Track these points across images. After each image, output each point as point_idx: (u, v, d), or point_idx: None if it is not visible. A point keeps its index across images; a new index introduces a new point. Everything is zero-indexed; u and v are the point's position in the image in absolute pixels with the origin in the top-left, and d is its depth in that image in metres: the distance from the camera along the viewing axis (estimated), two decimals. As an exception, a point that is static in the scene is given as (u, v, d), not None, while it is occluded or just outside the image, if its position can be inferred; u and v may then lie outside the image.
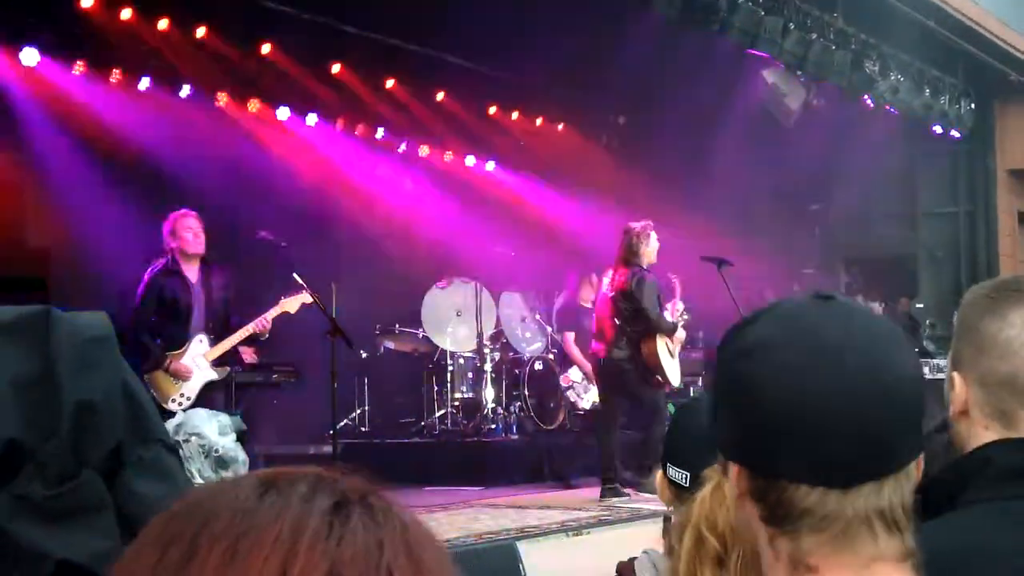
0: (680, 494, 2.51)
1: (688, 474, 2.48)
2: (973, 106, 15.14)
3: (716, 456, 1.45)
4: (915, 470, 1.35)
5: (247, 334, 9.23)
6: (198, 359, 9.11)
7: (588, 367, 11.71)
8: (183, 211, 9.21)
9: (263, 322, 9.24)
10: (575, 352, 11.96)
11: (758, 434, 1.33)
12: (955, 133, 15.05)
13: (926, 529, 1.36)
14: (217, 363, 9.18)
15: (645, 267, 10.52)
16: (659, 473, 2.65)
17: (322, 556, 0.86)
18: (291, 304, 9.40)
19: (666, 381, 10.65)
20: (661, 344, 10.62)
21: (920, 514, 1.37)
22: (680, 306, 11.19)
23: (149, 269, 9.14)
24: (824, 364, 1.30)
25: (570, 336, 12.04)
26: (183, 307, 9.07)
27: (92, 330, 1.66)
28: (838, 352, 1.30)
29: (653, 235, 10.69)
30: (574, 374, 11.99)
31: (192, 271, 9.18)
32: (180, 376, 8.99)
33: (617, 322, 10.51)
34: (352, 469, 0.96)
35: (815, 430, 1.29)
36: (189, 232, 9.10)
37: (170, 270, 9.11)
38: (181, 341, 9.06)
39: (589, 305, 12.03)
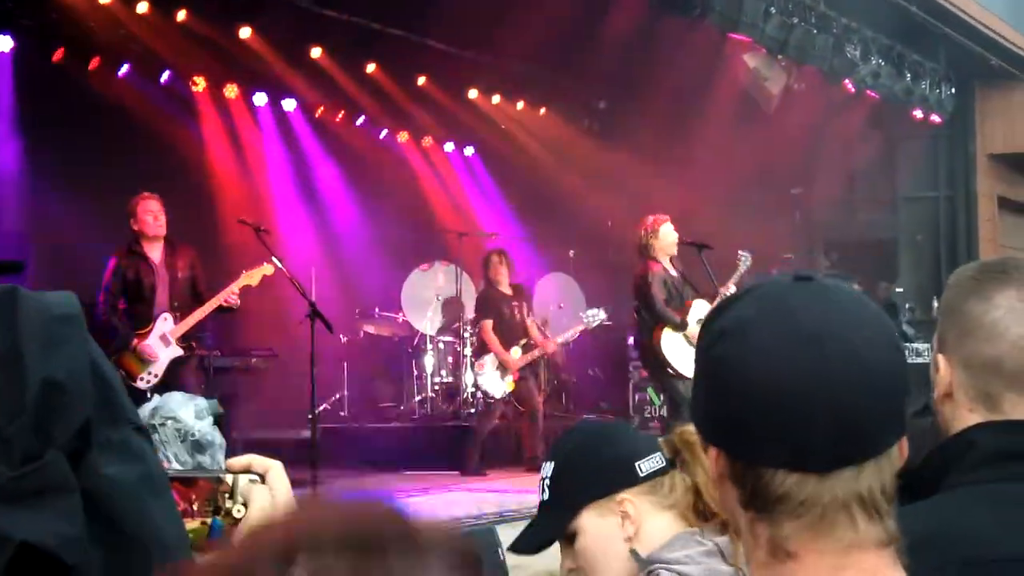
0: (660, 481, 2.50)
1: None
2: (954, 90, 15.13)
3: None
4: (898, 454, 1.32)
5: (212, 308, 9.43)
6: (165, 336, 9.32)
7: (505, 356, 11.67)
8: (143, 194, 9.48)
9: (229, 295, 9.41)
10: (492, 340, 11.81)
11: (734, 418, 1.30)
12: (936, 118, 15.05)
13: (905, 512, 1.34)
14: (183, 340, 9.39)
15: (660, 259, 10.62)
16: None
17: None
18: (253, 276, 9.55)
19: (677, 373, 10.64)
20: (674, 335, 10.62)
21: (905, 498, 1.34)
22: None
23: (115, 253, 9.42)
24: (800, 348, 1.27)
25: (488, 324, 11.86)
26: (147, 287, 9.35)
27: (59, 308, 1.62)
28: (815, 335, 1.28)
29: (663, 228, 10.77)
30: (488, 361, 11.88)
31: (155, 251, 9.46)
32: (145, 357, 9.24)
33: (636, 309, 10.69)
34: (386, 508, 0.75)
35: (791, 415, 1.26)
36: (149, 215, 9.39)
37: (132, 251, 9.40)
38: (147, 321, 9.31)
39: (508, 291, 11.96)
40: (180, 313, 9.42)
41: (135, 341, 9.21)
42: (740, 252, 11.29)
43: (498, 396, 11.60)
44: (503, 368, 11.72)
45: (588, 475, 2.47)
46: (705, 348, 1.35)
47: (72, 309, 1.64)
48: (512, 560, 7.23)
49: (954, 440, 1.89)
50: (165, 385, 8.96)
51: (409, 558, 0.69)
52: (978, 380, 1.90)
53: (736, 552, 2.41)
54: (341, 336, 12.49)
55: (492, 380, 11.58)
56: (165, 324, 9.37)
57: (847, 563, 1.29)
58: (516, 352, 11.80)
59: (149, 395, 8.88)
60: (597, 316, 12.05)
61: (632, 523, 2.42)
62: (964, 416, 1.91)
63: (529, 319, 12.11)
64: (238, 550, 0.73)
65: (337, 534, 0.70)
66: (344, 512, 0.72)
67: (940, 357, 1.94)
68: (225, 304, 9.43)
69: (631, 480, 2.45)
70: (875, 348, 1.29)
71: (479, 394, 12.14)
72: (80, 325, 1.63)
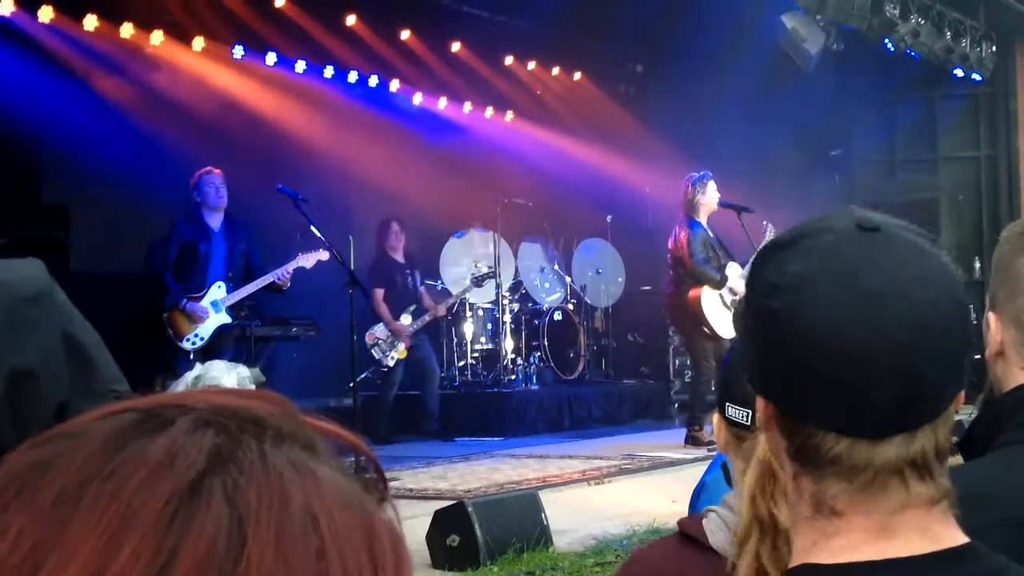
0: (740, 434, 2.44)
1: (749, 411, 2.38)
2: (994, 49, 14.95)
3: None
4: (953, 411, 1.28)
5: (264, 283, 9.94)
6: (216, 303, 9.84)
7: (395, 324, 11.62)
8: (207, 168, 10.10)
9: (283, 274, 9.91)
10: (383, 309, 11.72)
11: (786, 376, 1.26)
12: (976, 76, 14.88)
13: (954, 471, 1.31)
14: (233, 310, 9.92)
15: (702, 217, 10.60)
16: (716, 416, 2.57)
17: (152, 558, 0.65)
18: (308, 260, 10.01)
19: (713, 334, 10.63)
20: (712, 294, 10.61)
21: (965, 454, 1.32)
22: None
23: (180, 218, 10.06)
24: (862, 309, 1.22)
25: (379, 293, 11.77)
26: (202, 254, 9.89)
27: (27, 288, 1.59)
28: (878, 296, 1.22)
29: (710, 184, 10.78)
30: (379, 331, 11.81)
31: (215, 221, 10.06)
32: (194, 318, 9.72)
33: (671, 265, 10.71)
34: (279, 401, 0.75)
35: (848, 380, 1.22)
36: (211, 187, 10.03)
37: (193, 219, 10.01)
38: (200, 286, 9.86)
39: (402, 260, 11.95)
40: (233, 284, 9.93)
41: (185, 302, 9.68)
42: (764, 222, 11.22)
43: (391, 364, 11.53)
44: (395, 335, 11.65)
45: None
46: (759, 299, 1.29)
47: (40, 285, 1.59)
48: (555, 525, 7.26)
49: (1006, 397, 1.87)
50: (207, 351, 9.27)
51: (164, 423, 0.71)
52: None
53: (737, 474, 2.39)
54: (435, 303, 12.54)
55: (385, 350, 11.54)
56: (219, 291, 9.87)
57: (895, 522, 1.26)
58: (406, 319, 11.78)
59: (192, 356, 9.34)
60: (486, 277, 12.19)
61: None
62: (1016, 374, 1.89)
63: (421, 286, 12.09)
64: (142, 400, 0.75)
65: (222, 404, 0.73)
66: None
67: (991, 315, 1.91)
68: (276, 283, 9.88)
69: (720, 411, 2.50)
70: (941, 309, 1.25)
71: (586, 356, 12.20)
72: (49, 301, 1.59)
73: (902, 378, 1.22)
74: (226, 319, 9.87)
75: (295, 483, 0.69)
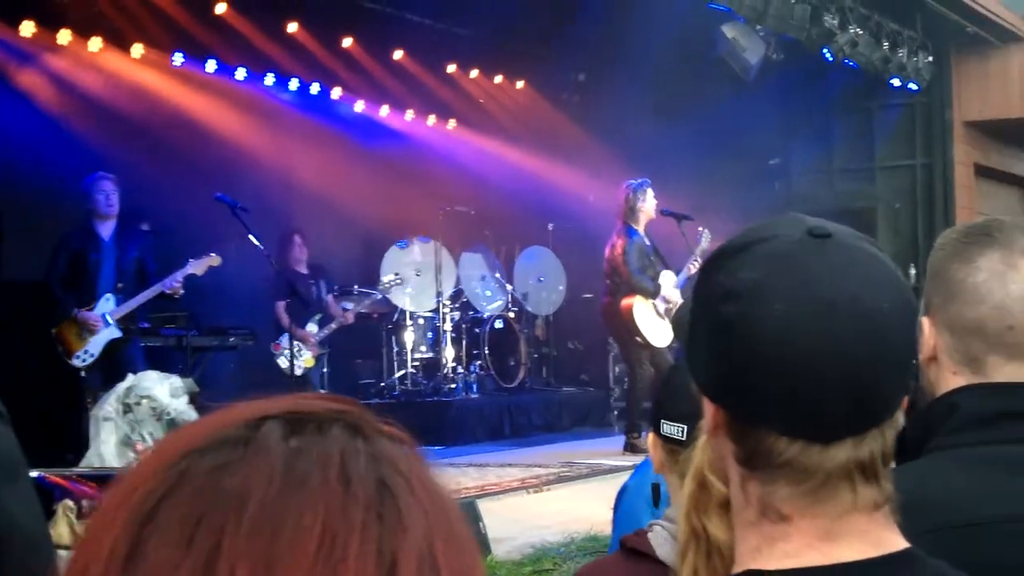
0: (674, 452, 2.44)
1: (685, 427, 2.40)
2: (931, 59, 15.13)
3: None
4: (899, 415, 1.30)
5: (153, 295, 9.52)
6: (104, 316, 9.42)
7: (300, 333, 11.51)
8: (98, 174, 9.67)
9: (172, 282, 9.49)
10: (285, 320, 11.62)
11: (738, 381, 1.27)
12: (913, 86, 15.05)
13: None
14: (123, 322, 9.51)
15: (639, 225, 10.65)
16: (651, 435, 2.57)
17: (376, 564, 0.72)
18: (199, 267, 9.65)
19: (646, 343, 10.66)
20: (643, 304, 10.64)
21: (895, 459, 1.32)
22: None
23: (70, 227, 9.67)
24: (816, 317, 1.22)
25: (281, 304, 11.69)
26: (91, 264, 9.46)
27: None
28: (831, 304, 1.23)
29: (649, 192, 10.81)
30: (284, 340, 11.72)
31: (106, 230, 9.60)
32: (88, 326, 9.30)
33: (607, 274, 10.72)
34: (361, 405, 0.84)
35: (801, 385, 1.23)
36: (101, 194, 9.57)
37: (83, 227, 9.58)
38: (90, 299, 9.42)
39: (304, 271, 11.82)
40: (125, 295, 9.49)
41: (77, 310, 9.31)
42: (700, 228, 11.30)
43: (299, 373, 11.38)
44: (302, 344, 11.49)
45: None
46: (711, 305, 1.29)
47: None
48: (493, 533, 7.23)
49: (937, 403, 1.89)
50: (101, 366, 9.16)
51: (320, 428, 0.78)
52: (962, 343, 1.89)
53: (675, 494, 2.39)
54: (341, 311, 12.46)
55: (288, 358, 11.38)
56: (107, 304, 9.45)
57: (840, 526, 1.27)
58: (312, 328, 11.71)
59: (83, 374, 9.23)
60: (393, 283, 12.13)
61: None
62: (948, 379, 1.91)
63: (328, 296, 11.99)
64: (213, 418, 0.80)
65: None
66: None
67: (925, 320, 1.93)
68: (168, 292, 9.49)
69: (655, 429, 2.51)
70: (892, 316, 1.25)
71: (527, 364, 12.12)
72: None
73: (854, 384, 1.23)
74: (116, 333, 9.42)
75: (435, 479, 0.81)
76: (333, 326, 11.82)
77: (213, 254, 9.64)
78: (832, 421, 1.24)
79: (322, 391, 12.38)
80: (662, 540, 2.31)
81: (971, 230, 1.96)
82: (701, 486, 1.92)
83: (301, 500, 0.73)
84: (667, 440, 2.49)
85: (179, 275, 9.51)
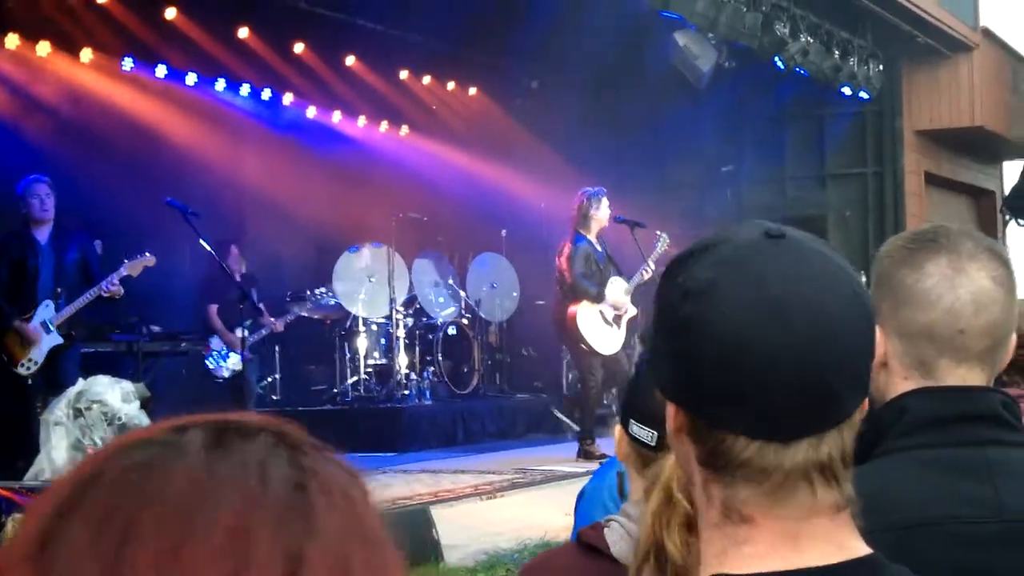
0: (643, 453, 2.43)
1: (656, 433, 2.37)
2: (881, 68, 15.26)
3: None
4: (857, 418, 1.30)
5: (92, 298, 9.37)
6: (46, 323, 9.27)
7: (230, 337, 11.44)
8: (34, 177, 9.51)
9: (108, 284, 9.36)
10: (216, 323, 11.53)
11: (697, 381, 1.27)
12: (863, 95, 15.17)
13: None
14: (63, 328, 9.34)
15: (590, 232, 10.67)
16: (618, 428, 2.56)
17: (283, 561, 0.73)
18: (135, 268, 9.54)
19: (591, 350, 10.67)
20: (590, 311, 10.66)
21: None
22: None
23: (5, 233, 9.51)
24: (769, 315, 1.23)
25: (213, 308, 11.54)
26: (30, 269, 9.30)
27: None
28: (785, 302, 1.23)
29: (604, 200, 10.83)
30: (214, 343, 11.64)
31: (42, 234, 9.44)
32: (27, 339, 9.16)
33: (557, 281, 10.76)
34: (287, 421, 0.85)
35: (757, 384, 1.23)
36: (36, 199, 9.41)
37: (19, 233, 9.42)
38: (30, 304, 9.26)
39: (237, 277, 11.46)
40: (66, 299, 9.37)
41: (18, 323, 9.15)
42: (657, 232, 11.34)
43: (226, 375, 11.28)
44: (230, 347, 11.37)
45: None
46: (670, 305, 1.30)
47: None
48: (447, 540, 7.22)
49: (888, 406, 1.90)
50: (45, 372, 9.08)
51: (244, 436, 0.80)
52: (912, 348, 1.91)
53: (635, 488, 2.39)
54: (272, 319, 12.39)
55: (219, 360, 11.28)
56: (46, 311, 9.31)
57: (802, 529, 1.27)
58: (240, 333, 11.60)
59: (30, 381, 9.11)
60: (326, 295, 12.01)
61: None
62: (898, 384, 1.92)
63: (260, 303, 11.86)
64: (152, 426, 0.82)
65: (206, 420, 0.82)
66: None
67: (875, 327, 1.93)
68: (106, 294, 9.37)
69: (624, 425, 2.48)
70: (846, 315, 1.26)
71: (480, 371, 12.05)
72: None
73: (809, 383, 1.23)
74: (57, 340, 9.28)
75: (357, 492, 0.82)
76: (264, 332, 11.65)
77: (148, 254, 9.55)
78: (788, 420, 1.24)
79: (259, 392, 12.34)
80: (618, 537, 2.30)
81: (917, 237, 1.98)
82: (667, 502, 1.92)
83: (216, 496, 0.75)
84: (635, 440, 2.48)
85: (114, 277, 9.40)
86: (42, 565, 0.73)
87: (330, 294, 12.31)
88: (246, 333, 10.97)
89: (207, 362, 11.23)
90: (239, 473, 0.76)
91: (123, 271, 9.46)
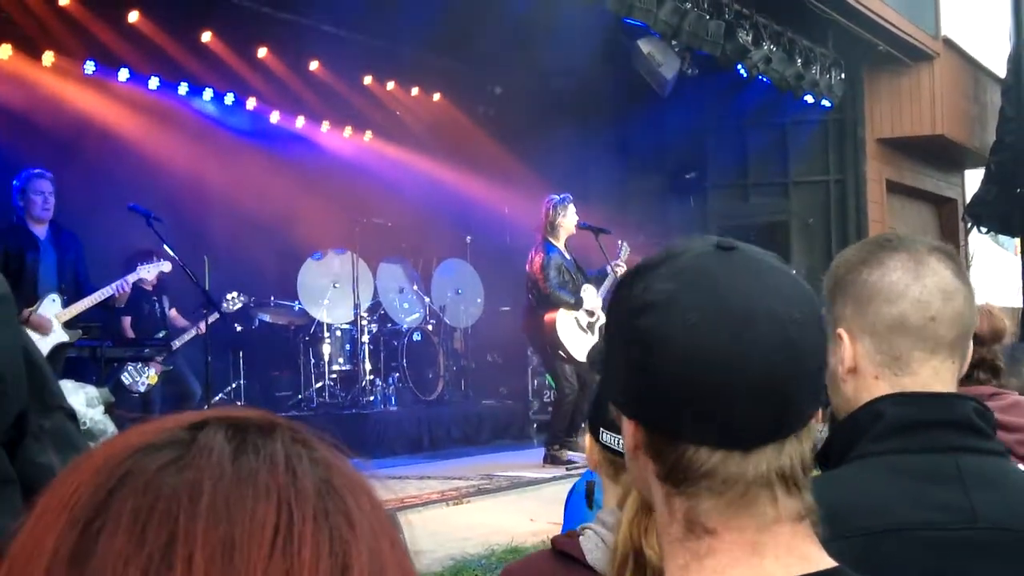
0: (614, 460, 2.43)
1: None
2: (843, 76, 15.37)
3: None
4: (814, 425, 1.31)
5: (103, 297, 9.12)
6: (51, 320, 8.91)
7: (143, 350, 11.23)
8: (38, 171, 9.12)
9: (122, 286, 9.17)
10: (129, 334, 11.32)
11: (657, 394, 1.27)
12: (826, 103, 15.26)
13: (813, 483, 1.33)
14: (68, 326, 9.02)
15: (559, 240, 10.69)
16: (588, 438, 2.56)
17: (329, 558, 0.73)
18: (150, 271, 9.47)
19: (569, 357, 10.69)
20: (567, 318, 10.69)
21: (819, 469, 1.33)
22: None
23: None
24: (729, 327, 1.24)
25: (127, 320, 11.17)
26: (30, 264, 8.96)
27: None
28: (745, 313, 1.24)
29: (570, 208, 10.85)
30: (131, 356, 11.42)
31: (40, 231, 9.13)
32: (39, 330, 8.71)
33: (528, 289, 10.77)
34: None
35: (720, 395, 1.24)
36: (39, 196, 9.08)
37: (17, 227, 9.05)
38: (31, 300, 8.84)
39: (149, 288, 11.26)
40: (67, 298, 9.05)
41: (26, 315, 8.65)
42: (619, 241, 11.39)
43: (142, 390, 11.00)
44: (143, 361, 11.09)
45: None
46: (626, 319, 1.30)
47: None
48: (413, 546, 7.21)
49: (863, 410, 1.90)
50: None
51: (264, 433, 0.79)
52: (884, 343, 1.91)
53: (608, 496, 2.39)
54: (236, 325, 12.32)
55: (135, 376, 11.02)
56: (53, 306, 8.95)
57: (765, 539, 1.27)
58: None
59: None
60: (236, 300, 11.77)
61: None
62: (870, 385, 1.92)
63: (171, 311, 11.73)
64: (150, 425, 0.80)
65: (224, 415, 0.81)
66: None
67: (840, 331, 1.94)
68: (114, 298, 9.21)
69: (593, 433, 2.50)
70: (803, 325, 1.27)
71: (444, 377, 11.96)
72: (12, 306, 1.54)
73: (771, 392, 1.24)
74: (63, 337, 8.93)
75: (371, 485, 0.82)
76: (186, 338, 11.32)
77: (164, 260, 9.40)
78: (750, 429, 1.25)
79: (224, 397, 12.18)
80: (593, 546, 2.31)
81: (868, 243, 2.01)
82: (643, 508, 1.93)
83: (254, 491, 0.73)
84: (606, 448, 2.49)
85: (129, 279, 9.24)
86: (80, 570, 0.70)
87: (239, 300, 11.96)
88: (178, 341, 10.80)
89: (122, 378, 10.82)
90: (269, 470, 0.75)
91: (138, 274, 9.33)
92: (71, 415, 1.63)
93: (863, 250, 1.97)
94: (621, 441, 2.39)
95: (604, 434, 2.47)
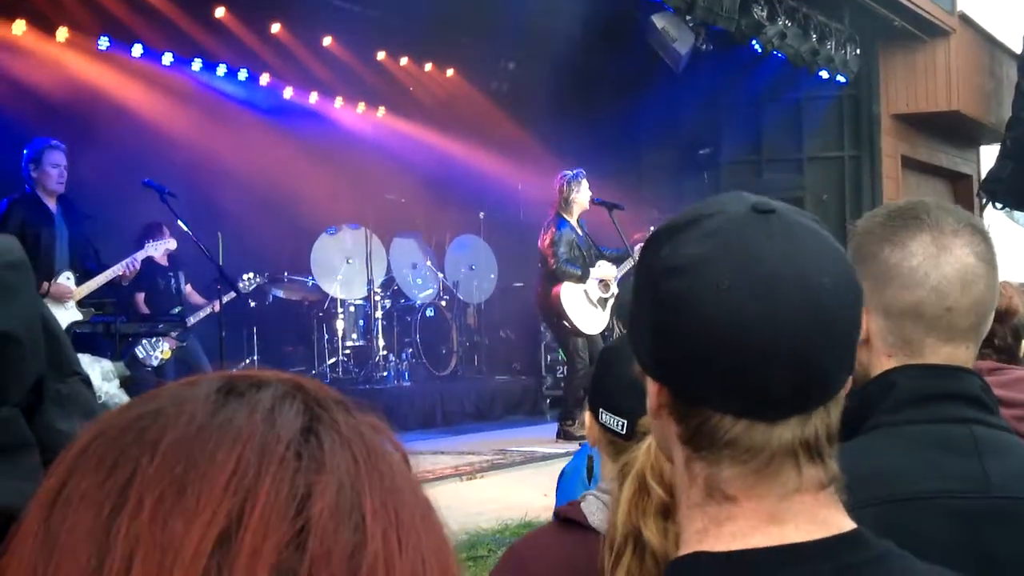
0: (615, 440, 2.44)
1: (625, 421, 2.38)
2: (858, 52, 15.30)
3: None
4: (842, 395, 1.29)
5: (115, 274, 9.01)
6: (71, 290, 8.84)
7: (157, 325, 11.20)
8: (52, 141, 8.85)
9: (132, 264, 9.07)
10: (143, 310, 11.29)
11: (683, 359, 1.25)
12: (840, 78, 15.20)
13: None
14: (80, 304, 8.92)
15: (572, 216, 10.69)
16: (588, 415, 2.57)
17: (287, 501, 0.73)
18: (157, 248, 9.45)
19: (574, 329, 10.70)
20: (574, 290, 10.70)
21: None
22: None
23: (6, 199, 8.77)
24: (761, 293, 1.21)
25: (140, 296, 11.22)
26: (46, 240, 8.72)
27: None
28: (776, 279, 1.21)
29: (584, 183, 10.86)
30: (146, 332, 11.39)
31: (52, 205, 8.88)
32: (60, 298, 8.64)
33: (540, 263, 10.80)
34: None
35: (747, 363, 1.21)
36: (55, 168, 8.82)
37: (31, 198, 8.76)
38: (48, 277, 8.68)
39: (165, 263, 11.32)
40: (81, 275, 8.94)
41: (46, 287, 8.54)
42: (651, 227, 11.36)
43: (155, 364, 10.97)
44: (160, 337, 11.07)
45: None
46: (654, 282, 1.27)
47: (21, 255, 1.55)
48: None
49: (875, 382, 1.90)
50: None
51: (257, 386, 0.80)
52: (897, 327, 1.90)
53: (607, 471, 2.41)
54: (250, 301, 12.34)
55: (148, 349, 11.00)
56: (68, 283, 8.85)
57: (786, 507, 1.26)
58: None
59: None
60: (252, 281, 11.72)
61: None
62: (882, 362, 1.92)
63: (186, 287, 11.72)
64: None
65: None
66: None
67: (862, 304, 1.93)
68: (130, 273, 9.13)
69: (593, 412, 2.51)
70: (836, 292, 1.25)
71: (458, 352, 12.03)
72: (30, 272, 1.55)
73: (799, 360, 1.22)
74: (77, 315, 8.83)
75: (376, 440, 0.80)
76: (201, 314, 11.32)
77: (170, 237, 9.37)
78: (777, 399, 1.23)
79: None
80: (595, 509, 2.32)
81: (896, 213, 1.96)
82: (641, 490, 1.93)
83: (221, 436, 0.75)
84: (605, 428, 2.49)
85: (138, 256, 9.15)
86: (53, 510, 0.75)
87: (256, 281, 11.95)
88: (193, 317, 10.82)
89: (136, 352, 10.82)
90: (246, 416, 0.77)
91: (146, 251, 9.26)
92: (87, 382, 1.64)
93: (889, 224, 1.94)
94: (621, 423, 2.40)
95: (603, 414, 2.47)
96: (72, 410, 1.55)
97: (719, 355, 1.22)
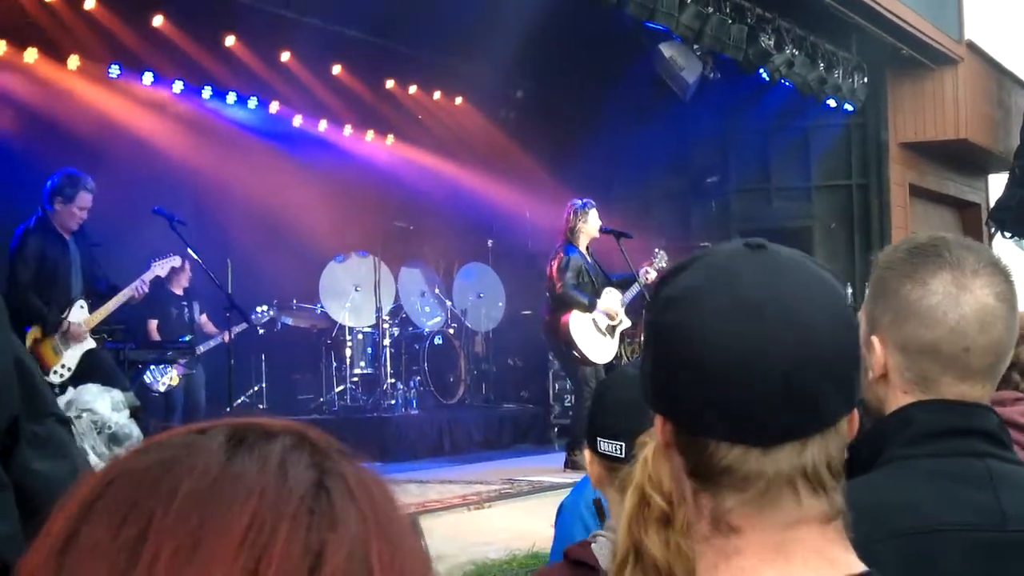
0: (613, 468, 2.44)
1: (623, 444, 2.40)
2: (866, 80, 15.31)
3: (648, 419, 1.38)
4: (846, 428, 1.30)
5: (125, 299, 9.04)
6: (83, 327, 8.85)
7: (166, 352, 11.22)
8: (89, 182, 8.84)
9: (141, 286, 9.10)
10: (155, 337, 11.29)
11: (677, 388, 1.28)
12: (848, 107, 15.22)
13: (847, 487, 1.32)
14: (93, 332, 8.94)
15: (580, 244, 10.68)
16: (587, 453, 2.57)
17: (301, 559, 0.74)
18: (162, 267, 9.41)
19: (583, 358, 10.67)
20: (582, 319, 10.68)
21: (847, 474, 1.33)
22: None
23: (22, 225, 8.77)
24: (744, 319, 1.24)
25: (153, 323, 11.30)
26: (63, 269, 8.74)
27: None
28: (760, 306, 1.24)
29: (592, 212, 10.84)
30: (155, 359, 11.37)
31: (65, 232, 8.89)
32: (76, 339, 8.68)
33: (548, 291, 10.76)
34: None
35: (732, 387, 1.24)
36: (82, 211, 8.84)
37: (45, 228, 8.74)
38: (63, 306, 8.73)
39: (179, 292, 11.46)
40: (91, 302, 8.96)
41: (65, 326, 8.57)
42: (656, 249, 11.36)
43: (162, 390, 10.95)
44: (167, 363, 11.05)
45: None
46: (654, 316, 1.32)
47: None
48: (434, 550, 7.21)
49: (892, 417, 1.91)
50: (76, 380, 8.25)
51: (266, 437, 0.81)
52: (915, 364, 1.91)
53: (616, 511, 2.40)
54: (259, 328, 12.35)
55: (157, 376, 10.97)
56: (81, 312, 8.87)
57: (790, 539, 1.27)
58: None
59: (58, 391, 8.55)
60: (266, 314, 11.75)
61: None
62: (898, 397, 1.93)
63: (201, 316, 11.74)
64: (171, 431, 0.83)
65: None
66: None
67: (874, 339, 1.94)
68: (133, 296, 9.14)
69: (591, 446, 2.51)
70: (824, 320, 1.26)
71: (466, 381, 11.96)
72: (4, 314, 1.56)
73: (787, 385, 1.23)
74: (91, 344, 8.83)
75: (379, 493, 0.82)
76: (211, 344, 11.36)
77: (173, 254, 9.40)
78: (767, 424, 1.24)
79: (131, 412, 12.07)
80: (607, 552, 2.32)
81: (917, 249, 1.96)
82: (641, 502, 1.93)
83: (234, 490, 0.76)
84: (604, 457, 2.49)
85: (146, 277, 9.18)
86: (64, 560, 0.74)
87: (269, 313, 12.02)
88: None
89: (144, 377, 10.81)
90: (258, 470, 0.77)
91: (153, 271, 9.28)
92: (63, 421, 1.65)
93: (910, 260, 1.94)
94: (619, 446, 2.40)
95: (602, 443, 2.48)
96: (48, 451, 1.56)
97: (705, 382, 1.25)
